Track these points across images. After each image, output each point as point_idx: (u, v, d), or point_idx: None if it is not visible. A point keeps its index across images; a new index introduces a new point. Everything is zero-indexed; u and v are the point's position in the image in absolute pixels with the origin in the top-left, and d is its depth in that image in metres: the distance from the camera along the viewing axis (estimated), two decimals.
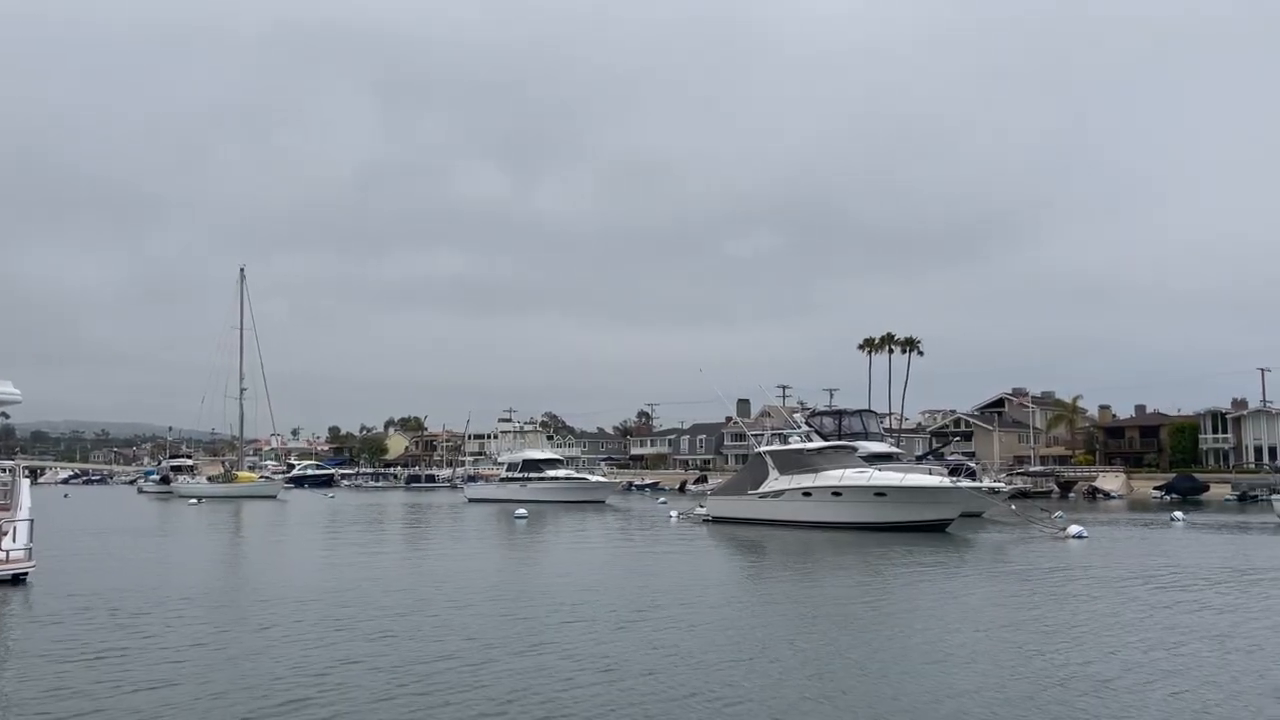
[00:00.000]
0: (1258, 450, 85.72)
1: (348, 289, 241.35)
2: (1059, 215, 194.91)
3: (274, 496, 78.72)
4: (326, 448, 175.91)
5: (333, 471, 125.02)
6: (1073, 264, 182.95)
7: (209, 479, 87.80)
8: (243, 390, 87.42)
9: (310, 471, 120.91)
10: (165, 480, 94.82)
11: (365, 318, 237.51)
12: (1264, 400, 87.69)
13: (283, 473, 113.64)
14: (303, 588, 20.28)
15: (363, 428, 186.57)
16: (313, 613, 16.73)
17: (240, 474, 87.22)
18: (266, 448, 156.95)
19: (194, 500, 71.51)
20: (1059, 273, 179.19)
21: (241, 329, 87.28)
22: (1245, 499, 67.12)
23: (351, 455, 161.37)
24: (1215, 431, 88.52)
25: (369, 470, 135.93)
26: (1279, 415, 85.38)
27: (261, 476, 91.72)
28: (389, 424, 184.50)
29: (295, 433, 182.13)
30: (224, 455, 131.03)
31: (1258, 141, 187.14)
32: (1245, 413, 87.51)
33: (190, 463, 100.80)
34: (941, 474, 43.40)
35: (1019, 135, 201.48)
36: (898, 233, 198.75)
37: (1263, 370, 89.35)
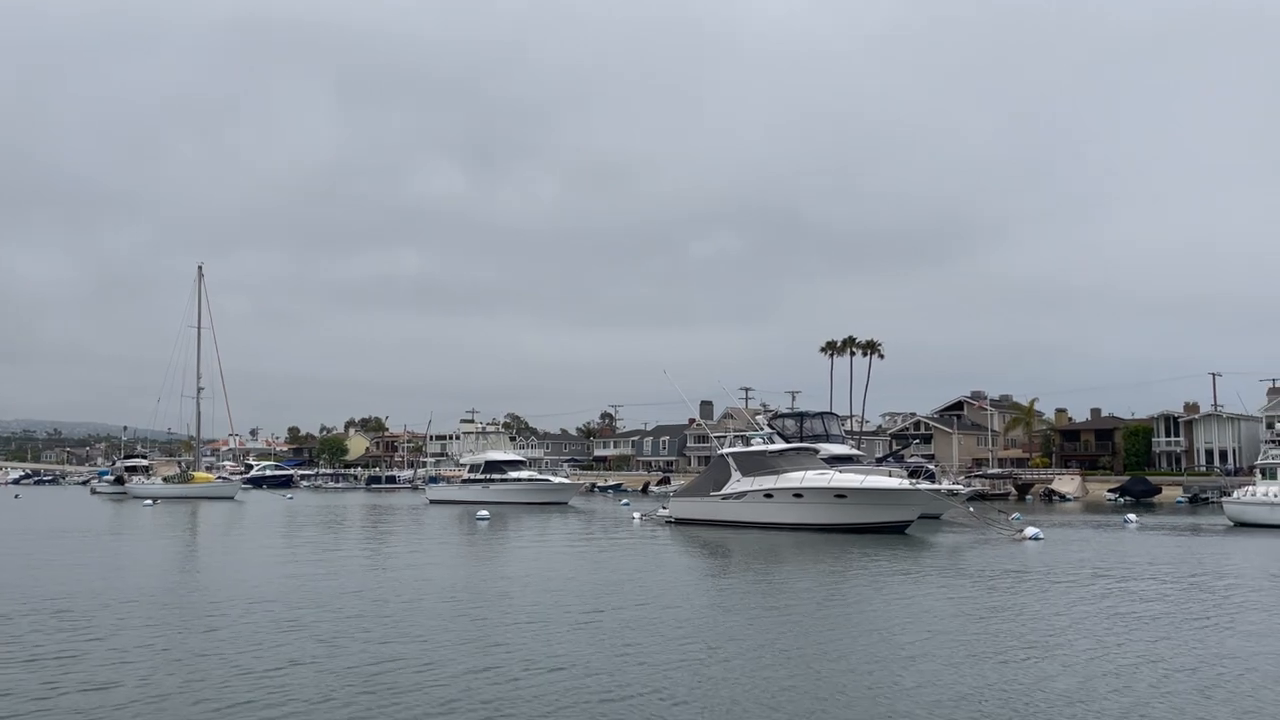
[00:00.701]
0: (1208, 453, 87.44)
1: (307, 287, 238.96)
2: (1019, 220, 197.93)
3: (231, 497, 77.63)
4: (286, 448, 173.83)
5: (292, 472, 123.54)
6: (1031, 268, 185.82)
7: (164, 479, 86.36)
8: (200, 389, 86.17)
9: (269, 472, 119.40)
10: (119, 481, 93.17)
11: (325, 316, 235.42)
12: (1215, 405, 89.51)
13: (240, 473, 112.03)
14: (254, 590, 20.01)
15: (323, 428, 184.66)
16: (263, 614, 16.52)
17: (197, 474, 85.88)
18: (224, 448, 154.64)
19: (149, 501, 70.29)
20: (1018, 277, 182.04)
21: (199, 327, 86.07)
22: (1196, 501, 68.45)
23: (311, 456, 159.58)
24: (1168, 435, 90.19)
25: (329, 471, 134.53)
26: (1229, 419, 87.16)
27: (218, 477, 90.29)
28: (349, 424, 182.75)
29: (254, 433, 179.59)
30: (180, 455, 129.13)
31: (1215, 149, 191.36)
32: (1197, 417, 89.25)
33: (145, 463, 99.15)
34: (901, 476, 43.83)
35: (979, 139, 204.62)
36: (858, 236, 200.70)
37: (1214, 375, 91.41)
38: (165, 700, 10.51)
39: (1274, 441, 56.70)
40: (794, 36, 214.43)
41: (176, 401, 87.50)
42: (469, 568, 26.18)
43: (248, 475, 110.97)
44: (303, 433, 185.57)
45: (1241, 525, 43.24)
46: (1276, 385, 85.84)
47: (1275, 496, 43.75)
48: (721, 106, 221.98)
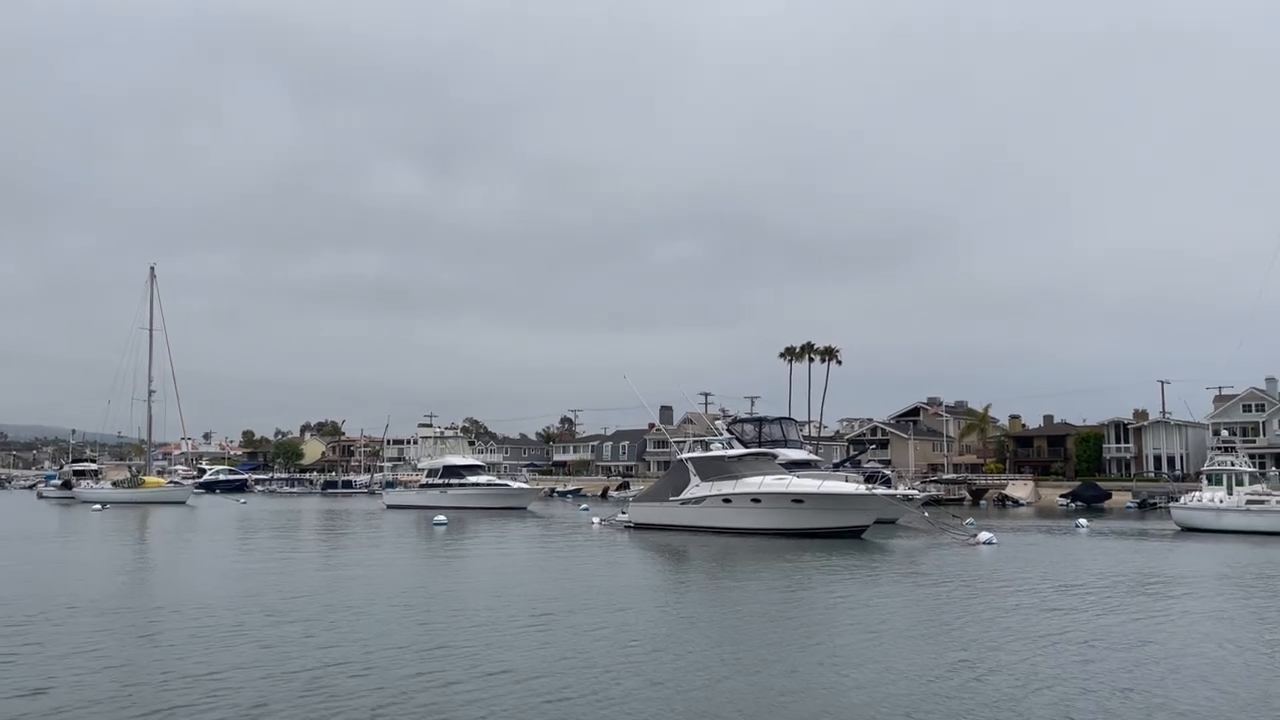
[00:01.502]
0: (1157, 459, 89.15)
1: (262, 289, 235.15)
2: (975, 227, 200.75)
3: (183, 502, 76.21)
4: (240, 452, 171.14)
5: (246, 477, 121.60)
6: (987, 276, 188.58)
7: (114, 484, 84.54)
8: (151, 392, 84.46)
9: (222, 476, 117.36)
10: (67, 485, 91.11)
11: (280, 319, 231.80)
12: (1163, 412, 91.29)
13: (193, 477, 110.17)
14: (200, 595, 19.66)
15: (278, 432, 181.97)
16: (207, 620, 16.26)
17: (147, 479, 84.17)
18: (176, 452, 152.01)
19: (98, 506, 68.78)
20: (974, 284, 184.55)
21: (151, 329, 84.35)
22: (1145, 506, 69.71)
23: (266, 460, 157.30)
24: (1118, 441, 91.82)
25: (284, 476, 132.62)
26: (1177, 426, 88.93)
27: (170, 481, 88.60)
28: (305, 428, 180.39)
29: (207, 436, 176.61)
30: (131, 459, 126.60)
31: (1160, 160, 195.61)
32: (1146, 423, 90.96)
33: (94, 467, 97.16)
34: (858, 481, 44.13)
35: (936, 145, 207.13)
36: (818, 241, 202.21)
37: (1162, 383, 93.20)
38: (96, 705, 10.30)
39: (1220, 448, 57.98)
40: (754, 40, 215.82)
41: (127, 404, 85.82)
42: (422, 573, 25.92)
43: (200, 480, 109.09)
44: (257, 436, 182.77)
45: (1188, 530, 44.07)
46: (1222, 393, 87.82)
47: (1220, 502, 44.67)
48: (682, 111, 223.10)
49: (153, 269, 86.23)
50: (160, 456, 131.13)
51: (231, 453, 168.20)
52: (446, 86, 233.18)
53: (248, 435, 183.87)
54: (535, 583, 22.61)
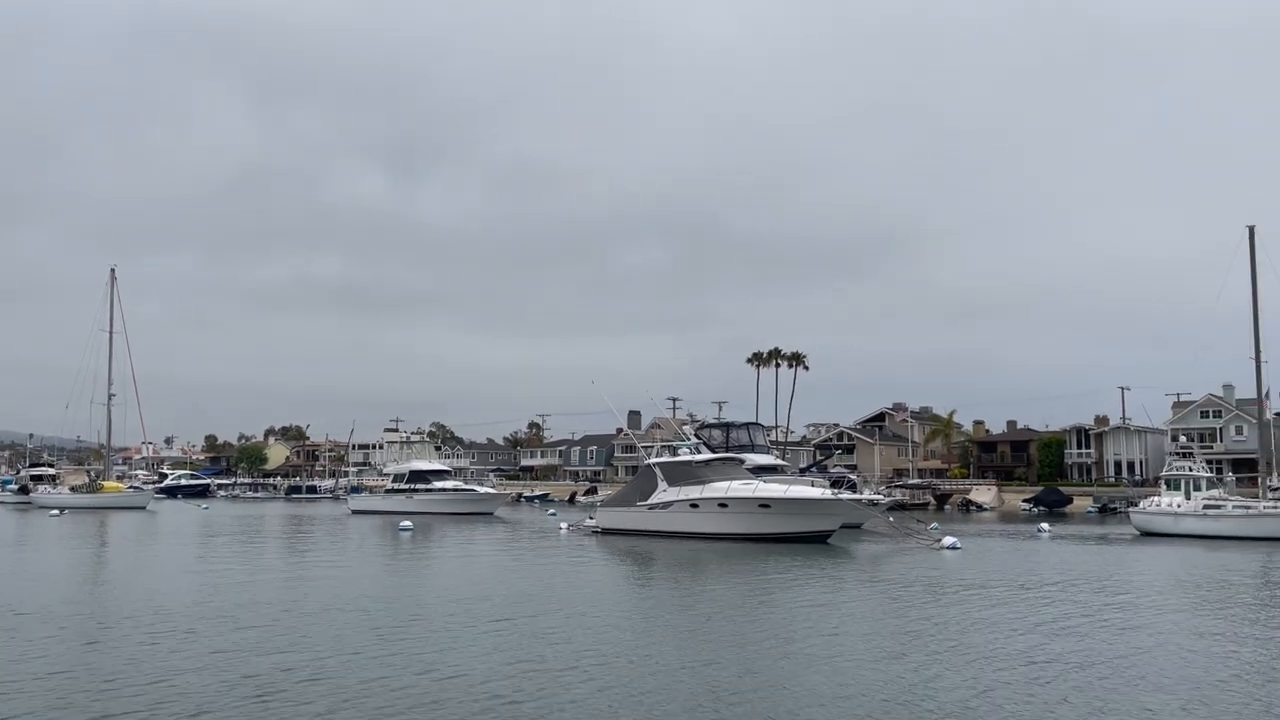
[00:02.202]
0: (1117, 465, 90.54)
1: (223, 291, 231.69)
2: (940, 233, 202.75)
3: (143, 507, 75.10)
4: (202, 456, 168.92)
5: (208, 481, 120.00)
6: (951, 282, 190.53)
7: (72, 489, 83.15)
8: (111, 396, 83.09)
9: (184, 481, 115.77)
10: (24, 490, 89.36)
11: (243, 321, 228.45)
12: (1124, 417, 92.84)
13: (154, 482, 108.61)
14: (154, 601, 19.45)
15: (241, 436, 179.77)
16: (159, 625, 16.13)
17: (106, 484, 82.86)
18: (137, 456, 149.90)
19: (55, 511, 67.59)
20: (938, 291, 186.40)
21: (111, 331, 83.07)
22: (1105, 511, 70.79)
23: (229, 465, 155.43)
24: (1079, 447, 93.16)
25: (247, 480, 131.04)
26: (1136, 432, 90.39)
27: (130, 486, 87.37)
28: (269, 432, 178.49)
29: (169, 441, 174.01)
30: (90, 464, 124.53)
31: (1121, 169, 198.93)
32: (1106, 429, 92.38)
33: (52, 472, 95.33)
34: (823, 486, 44.44)
35: (902, 152, 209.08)
36: (783, 247, 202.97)
37: (1123, 389, 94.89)
38: (30, 715, 10.19)
39: (1178, 454, 58.94)
40: (720, 44, 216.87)
41: (86, 408, 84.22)
42: (384, 578, 25.76)
43: (161, 484, 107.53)
44: (220, 441, 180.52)
45: (1147, 534, 44.82)
46: (1181, 399, 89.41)
47: (1178, 507, 45.50)
48: (648, 114, 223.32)
49: (113, 271, 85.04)
50: (120, 461, 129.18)
51: (194, 457, 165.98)
52: (409, 87, 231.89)
53: (210, 439, 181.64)
54: (498, 588, 22.58)
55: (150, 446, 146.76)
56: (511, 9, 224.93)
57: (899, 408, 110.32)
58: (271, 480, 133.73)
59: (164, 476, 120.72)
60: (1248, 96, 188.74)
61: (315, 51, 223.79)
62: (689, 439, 50.23)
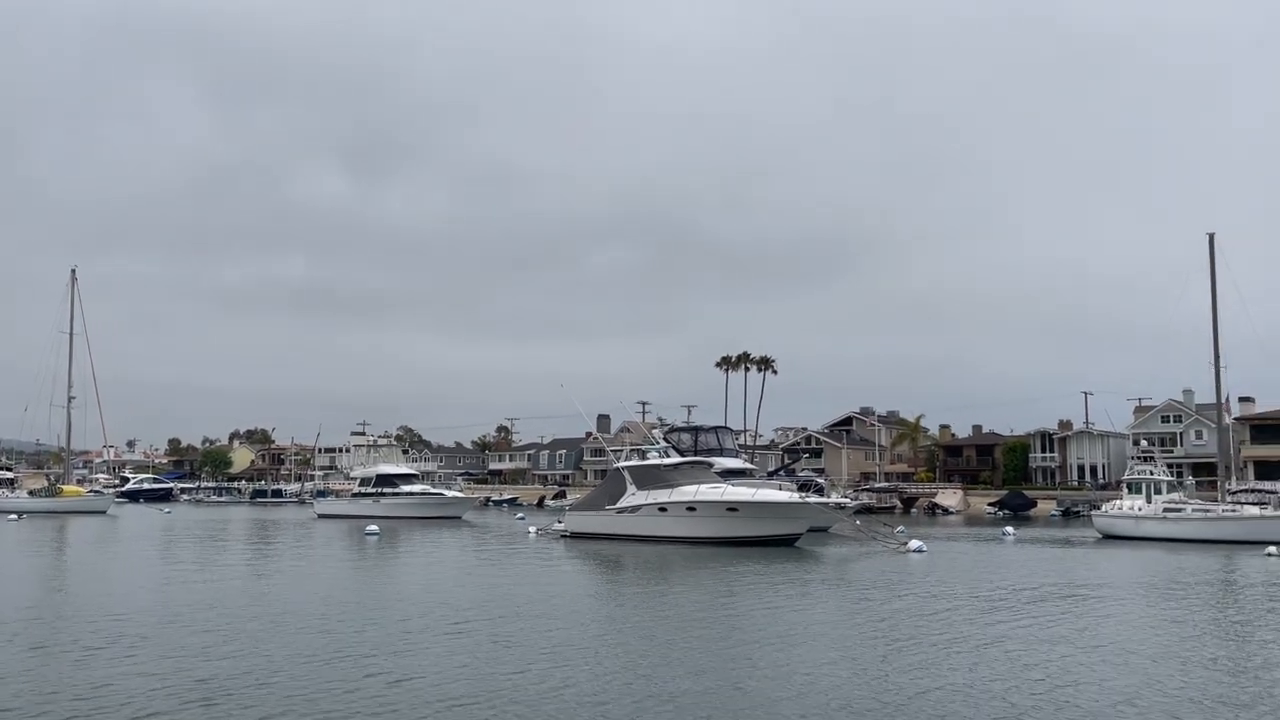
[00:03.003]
0: (1080, 469, 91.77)
1: (185, 292, 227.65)
2: (905, 239, 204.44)
3: (103, 512, 73.96)
4: (165, 460, 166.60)
5: (171, 485, 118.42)
6: (917, 288, 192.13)
7: (30, 493, 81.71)
8: (71, 398, 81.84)
9: (146, 485, 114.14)
10: None
11: (206, 323, 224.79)
12: (1087, 422, 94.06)
13: (115, 486, 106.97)
14: (109, 606, 19.23)
15: (205, 439, 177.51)
16: (112, 630, 15.97)
17: (66, 488, 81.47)
18: (98, 460, 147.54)
19: (13, 516, 66.34)
20: (906, 294, 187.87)
21: (71, 333, 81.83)
22: (1068, 514, 71.72)
23: (193, 468, 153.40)
24: (1044, 451, 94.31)
25: (211, 484, 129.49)
26: (1099, 436, 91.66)
27: (90, 490, 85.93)
28: (234, 436, 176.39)
29: (131, 444, 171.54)
30: (49, 467, 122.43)
31: (1086, 174, 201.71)
32: (1070, 433, 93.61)
33: (9, 475, 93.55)
34: (791, 490, 44.65)
35: (868, 155, 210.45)
36: (751, 251, 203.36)
37: (1086, 394, 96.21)
38: None
39: (1139, 458, 59.88)
40: (689, 46, 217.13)
41: (45, 410, 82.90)
42: (347, 583, 25.56)
43: (123, 489, 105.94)
44: (184, 444, 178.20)
45: (1109, 538, 45.44)
46: (1142, 404, 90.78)
47: (1139, 510, 46.19)
48: (616, 116, 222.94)
49: (74, 271, 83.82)
50: (81, 464, 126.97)
51: (156, 461, 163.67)
52: (374, 87, 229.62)
53: (174, 443, 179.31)
54: (462, 592, 22.51)
55: (112, 450, 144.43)
56: (479, 9, 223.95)
57: (866, 412, 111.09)
58: (236, 484, 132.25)
59: (126, 480, 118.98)
60: (1210, 105, 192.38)
61: (278, 50, 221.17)
62: (658, 443, 50.27)
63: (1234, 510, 44.51)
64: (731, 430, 69.98)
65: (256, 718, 10.38)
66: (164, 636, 15.44)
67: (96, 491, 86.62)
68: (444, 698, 11.32)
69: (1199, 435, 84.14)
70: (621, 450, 54.10)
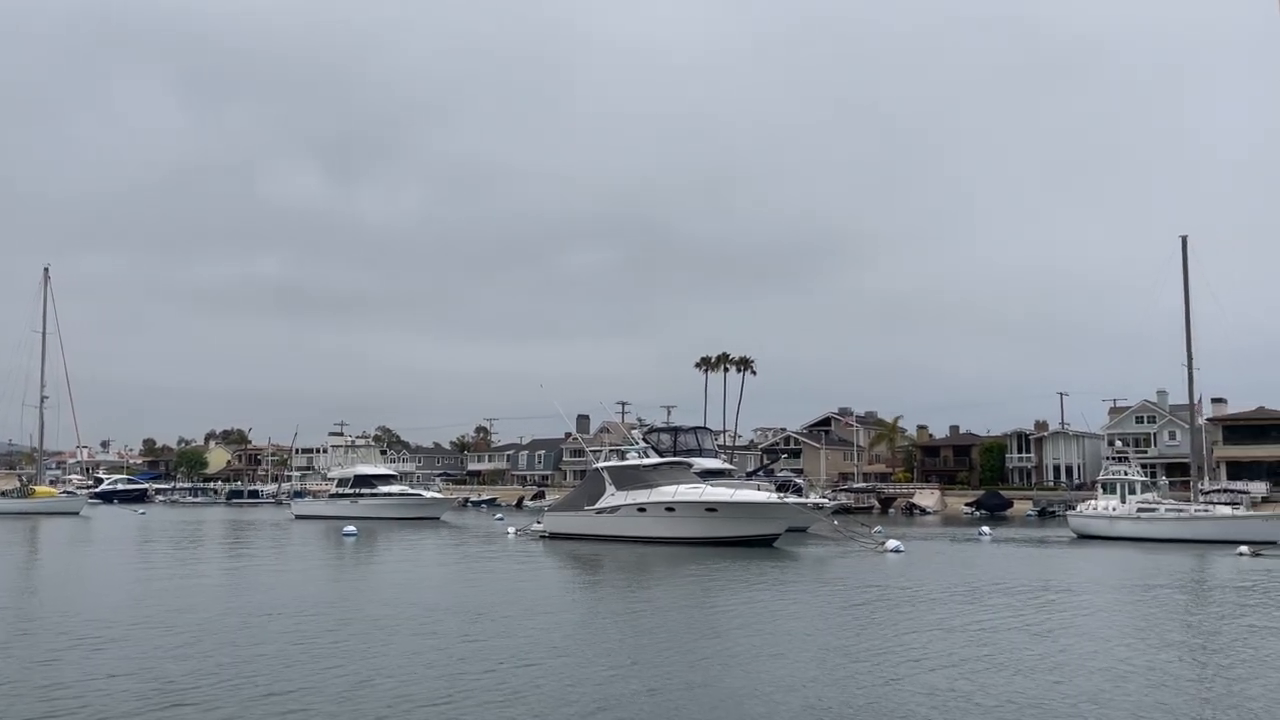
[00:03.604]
0: (1056, 469, 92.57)
1: (159, 291, 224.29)
2: (884, 238, 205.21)
3: (76, 513, 73.23)
4: (140, 461, 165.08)
5: (146, 486, 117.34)
6: (896, 287, 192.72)
7: (2, 494, 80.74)
8: (44, 398, 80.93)
9: (120, 486, 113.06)
10: None
11: (181, 322, 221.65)
12: (1063, 423, 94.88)
13: (88, 487, 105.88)
14: (75, 608, 19.08)
15: (181, 440, 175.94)
16: (78, 632, 15.86)
17: (38, 488, 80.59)
18: (72, 460, 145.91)
19: None
20: (884, 295, 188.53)
21: (44, 332, 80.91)
22: (1044, 514, 72.30)
23: (168, 469, 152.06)
24: (1020, 451, 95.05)
25: (187, 485, 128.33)
26: (1075, 437, 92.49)
27: (63, 491, 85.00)
28: (210, 436, 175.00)
29: (105, 445, 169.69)
30: (21, 468, 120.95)
31: (1073, 177, 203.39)
32: (1046, 434, 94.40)
33: None
34: (770, 490, 44.77)
35: (844, 156, 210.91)
36: (730, 251, 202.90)
37: (1061, 395, 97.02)
38: None
39: (1114, 458, 60.48)
40: (662, 48, 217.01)
41: (17, 410, 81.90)
42: (321, 584, 25.40)
43: (96, 489, 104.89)
44: (159, 444, 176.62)
45: (1084, 537, 45.85)
46: (1117, 404, 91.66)
47: (1113, 510, 46.64)
48: (590, 117, 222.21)
49: (46, 270, 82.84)
50: (54, 465, 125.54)
51: (131, 461, 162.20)
52: (346, 84, 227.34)
53: (149, 443, 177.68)
54: (436, 592, 22.47)
55: (85, 450, 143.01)
56: (453, 7, 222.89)
57: (845, 412, 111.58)
58: (212, 485, 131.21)
59: (99, 481, 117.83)
60: (1183, 107, 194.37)
61: (248, 49, 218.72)
62: (637, 443, 50.28)
63: (1206, 510, 45.04)
64: (711, 431, 70.11)
65: (233, 713, 10.39)
66: (131, 638, 15.33)
67: (69, 492, 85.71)
68: (405, 697, 11.35)
69: (1173, 436, 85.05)
70: (601, 451, 54.08)
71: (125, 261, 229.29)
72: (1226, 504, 51.81)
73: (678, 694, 11.58)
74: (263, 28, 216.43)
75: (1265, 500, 65.63)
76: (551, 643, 15.16)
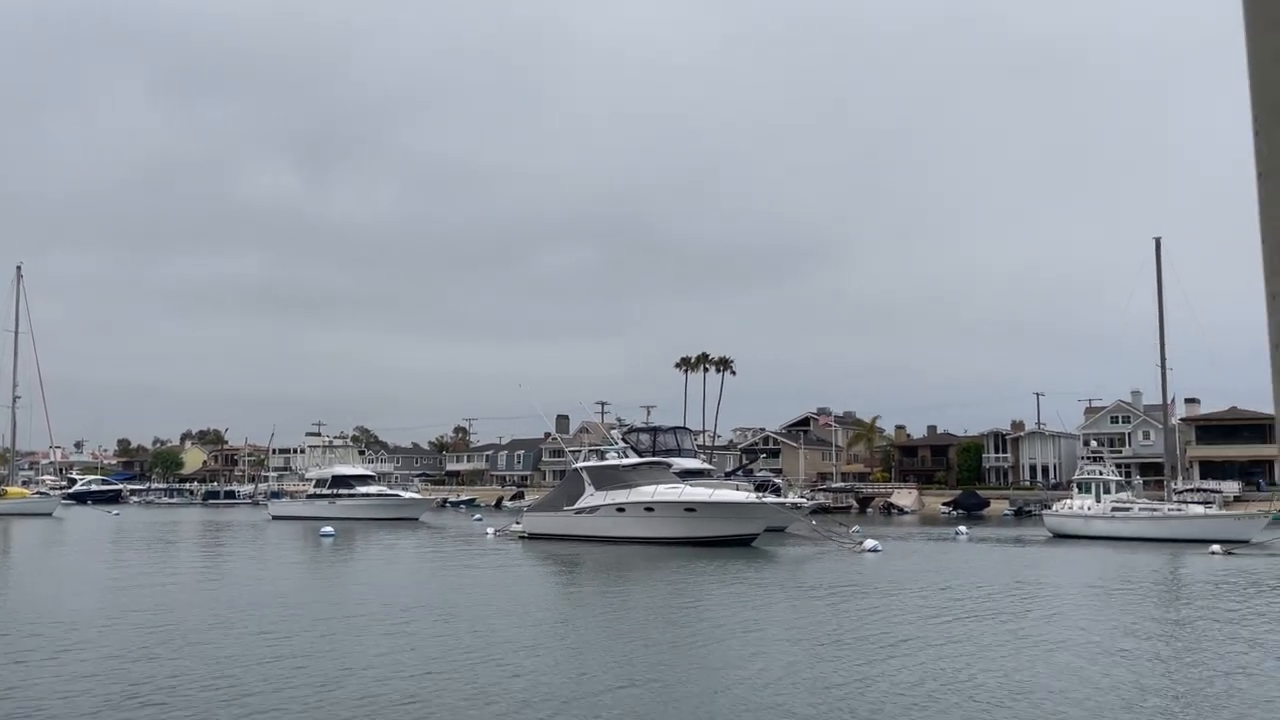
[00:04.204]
0: (1033, 469, 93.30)
1: (132, 290, 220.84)
2: (862, 239, 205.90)
3: (49, 514, 72.40)
4: (115, 461, 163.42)
5: (120, 487, 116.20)
6: (874, 289, 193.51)
7: None
8: (16, 398, 79.99)
9: (94, 487, 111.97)
10: None
11: (156, 321, 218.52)
12: (1039, 423, 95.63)
13: (62, 488, 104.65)
14: (44, 609, 18.90)
15: (156, 440, 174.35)
16: (43, 633, 15.75)
17: (10, 489, 79.68)
18: (45, 461, 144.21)
19: None
20: (861, 298, 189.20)
21: (16, 331, 79.97)
22: (1021, 514, 72.82)
23: (143, 470, 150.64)
24: (997, 451, 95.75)
25: (162, 486, 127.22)
26: (1051, 437, 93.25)
27: (35, 492, 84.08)
28: (186, 437, 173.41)
29: (79, 445, 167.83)
30: None
31: (1049, 179, 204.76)
32: (1022, 434, 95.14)
33: None
34: (748, 490, 44.89)
35: (823, 158, 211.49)
36: (709, 251, 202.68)
37: (1038, 395, 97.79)
38: None
39: (1089, 458, 61.03)
40: (638, 47, 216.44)
41: None
42: (296, 584, 25.26)
43: (70, 490, 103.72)
44: (134, 445, 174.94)
45: (1059, 537, 46.22)
46: (1092, 405, 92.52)
47: (1088, 510, 47.04)
48: (573, 113, 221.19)
49: (19, 268, 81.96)
50: (26, 466, 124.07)
51: (105, 462, 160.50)
52: (320, 82, 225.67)
53: (124, 444, 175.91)
54: (411, 593, 22.40)
55: (58, 451, 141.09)
56: (430, 4, 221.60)
57: (823, 412, 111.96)
58: (188, 486, 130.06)
59: (73, 482, 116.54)
60: (1156, 110, 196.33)
61: (222, 44, 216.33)
62: (616, 443, 50.28)
63: (1180, 510, 45.53)
64: (690, 431, 70.16)
65: (195, 713, 10.43)
66: (100, 639, 15.25)
67: (42, 493, 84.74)
68: (370, 697, 11.36)
69: (1147, 436, 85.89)
70: (580, 451, 54.00)
71: (99, 260, 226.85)
72: (1199, 503, 52.42)
73: (647, 693, 11.59)
74: (236, 24, 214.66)
75: (1237, 499, 66.44)
76: (523, 643, 15.13)
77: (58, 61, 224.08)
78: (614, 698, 11.35)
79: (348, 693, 11.61)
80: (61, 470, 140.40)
